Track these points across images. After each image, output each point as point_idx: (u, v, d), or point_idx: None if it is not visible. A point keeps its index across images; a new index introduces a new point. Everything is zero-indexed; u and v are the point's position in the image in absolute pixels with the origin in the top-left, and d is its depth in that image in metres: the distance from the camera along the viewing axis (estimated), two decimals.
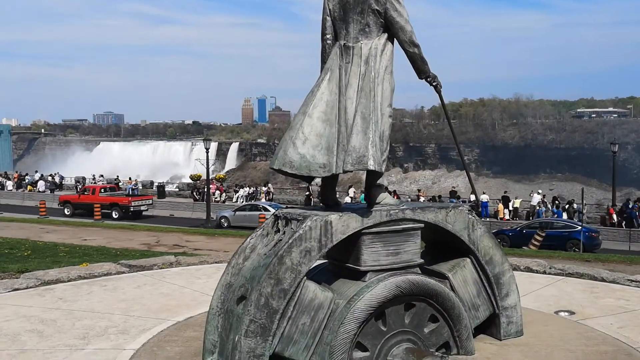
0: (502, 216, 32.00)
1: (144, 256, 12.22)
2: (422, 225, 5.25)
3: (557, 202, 33.86)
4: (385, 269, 5.08)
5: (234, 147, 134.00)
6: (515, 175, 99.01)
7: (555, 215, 31.02)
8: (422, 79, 5.46)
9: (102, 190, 35.41)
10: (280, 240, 4.97)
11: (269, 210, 30.19)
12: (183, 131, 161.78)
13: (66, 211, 34.10)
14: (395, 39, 5.25)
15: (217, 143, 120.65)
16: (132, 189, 40.54)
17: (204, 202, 33.64)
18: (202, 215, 32.98)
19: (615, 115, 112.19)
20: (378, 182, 5.23)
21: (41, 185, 45.09)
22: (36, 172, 55.46)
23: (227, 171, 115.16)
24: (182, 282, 8.15)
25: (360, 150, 4.81)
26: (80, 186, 43.46)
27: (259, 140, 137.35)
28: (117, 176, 52.54)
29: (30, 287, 7.71)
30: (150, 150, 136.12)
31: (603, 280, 8.02)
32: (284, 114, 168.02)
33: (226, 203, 38.16)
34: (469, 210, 5.50)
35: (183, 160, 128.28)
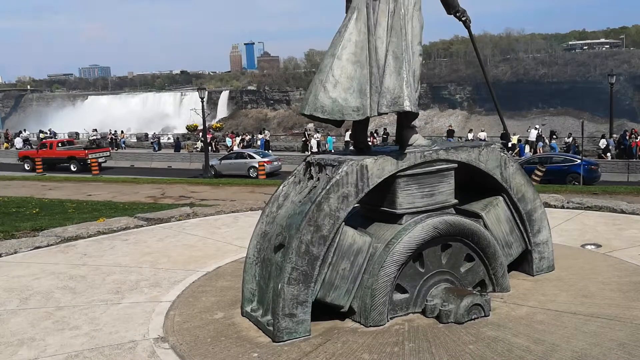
0: None
1: (152, 208, 12.20)
2: (456, 165, 5.20)
3: (554, 136, 33.89)
4: (421, 210, 5.04)
5: (224, 96, 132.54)
6: (508, 112, 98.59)
7: (552, 150, 31.12)
8: (450, 14, 5.30)
9: (60, 145, 36.21)
10: (315, 187, 4.90)
11: (254, 158, 30.22)
12: (171, 81, 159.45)
13: (26, 166, 34.69)
14: None
15: (207, 92, 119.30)
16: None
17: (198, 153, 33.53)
18: (197, 166, 32.97)
19: (607, 47, 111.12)
20: (412, 123, 5.13)
21: (18, 142, 44.55)
22: (24, 130, 54.78)
23: (219, 120, 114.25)
24: (203, 232, 8.13)
25: (394, 91, 4.68)
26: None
27: (249, 88, 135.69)
28: (113, 130, 51.73)
29: (52, 245, 7.68)
30: (140, 102, 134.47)
31: (622, 212, 8.07)
32: (273, 59, 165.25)
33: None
34: (501, 148, 5.44)
35: (173, 111, 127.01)
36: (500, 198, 5.56)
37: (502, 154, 5.43)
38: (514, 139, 33.83)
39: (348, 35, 4.94)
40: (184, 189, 18.67)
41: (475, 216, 5.44)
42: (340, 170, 4.73)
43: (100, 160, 33.82)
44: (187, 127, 43.48)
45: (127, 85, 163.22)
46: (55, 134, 51.26)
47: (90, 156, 33.28)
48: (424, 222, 4.93)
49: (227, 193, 16.96)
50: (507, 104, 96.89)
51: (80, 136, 51.52)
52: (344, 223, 4.75)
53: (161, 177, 24.81)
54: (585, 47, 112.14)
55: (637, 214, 7.91)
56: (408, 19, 4.91)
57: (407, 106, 4.64)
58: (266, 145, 39.28)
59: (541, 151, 30.60)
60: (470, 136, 35.82)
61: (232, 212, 9.52)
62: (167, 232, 8.24)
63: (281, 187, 5.29)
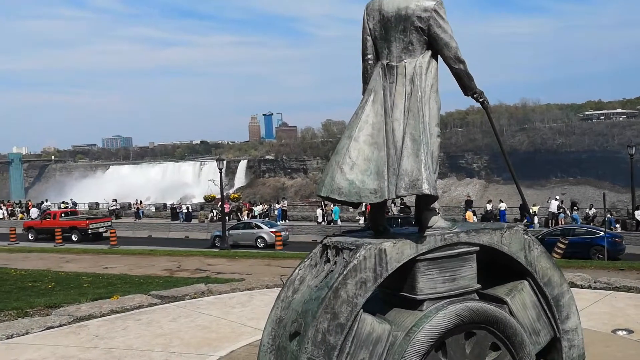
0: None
1: (167, 283, 12.06)
2: (478, 248, 5.03)
3: (576, 207, 33.43)
4: (442, 296, 4.84)
5: (242, 165, 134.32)
6: (526, 181, 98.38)
7: (574, 221, 30.61)
8: (468, 95, 5.26)
9: (62, 215, 37.00)
10: (332, 271, 4.75)
11: (262, 228, 30.23)
12: (191, 151, 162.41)
13: (30, 236, 35.42)
14: (439, 55, 5.06)
15: (225, 161, 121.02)
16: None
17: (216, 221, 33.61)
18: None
19: (624, 117, 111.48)
20: (431, 205, 5.00)
21: (33, 212, 45.09)
22: (46, 200, 55.61)
23: (237, 189, 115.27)
24: (217, 312, 7.93)
25: (412, 173, 4.60)
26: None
27: (267, 157, 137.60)
28: (138, 199, 52.03)
29: (64, 325, 7.52)
30: (160, 171, 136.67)
31: None
32: (291, 130, 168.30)
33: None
34: (524, 230, 5.27)
35: (192, 180, 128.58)
36: (525, 282, 5.33)
37: (525, 236, 5.25)
38: (535, 209, 33.43)
39: (365, 117, 4.92)
40: (200, 261, 18.55)
41: (500, 301, 5.20)
42: (358, 254, 4.59)
43: (101, 230, 34.44)
44: (205, 198, 43.85)
45: (148, 155, 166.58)
46: (75, 204, 51.87)
47: (91, 226, 33.67)
48: (446, 309, 4.71)
49: (243, 266, 16.79)
50: (525, 173, 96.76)
51: (100, 206, 52.01)
52: (362, 310, 4.56)
53: (178, 249, 24.75)
54: (602, 117, 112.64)
55: None
56: (425, 101, 4.88)
57: (426, 189, 4.54)
58: (283, 214, 39.30)
59: (563, 223, 30.13)
60: (489, 207, 35.50)
61: (247, 289, 9.33)
62: (180, 311, 8.05)
63: (297, 270, 5.14)
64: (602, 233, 23.38)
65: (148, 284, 11.85)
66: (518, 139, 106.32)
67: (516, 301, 5.24)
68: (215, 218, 38.45)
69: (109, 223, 36.18)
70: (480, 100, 5.28)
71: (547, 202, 35.68)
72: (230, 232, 30.71)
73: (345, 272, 4.53)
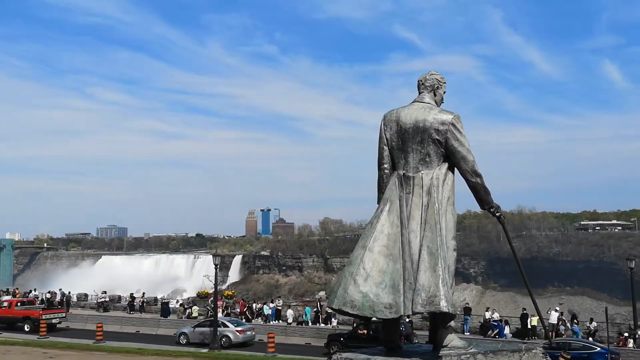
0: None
1: None
2: None
3: (575, 320, 32.66)
4: None
5: (237, 260, 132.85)
6: (523, 289, 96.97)
7: (574, 334, 29.77)
8: (484, 209, 5.17)
9: (18, 304, 36.60)
10: None
11: (227, 327, 29.40)
12: (186, 244, 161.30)
13: None
14: (456, 168, 5.03)
15: (220, 257, 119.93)
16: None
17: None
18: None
19: (620, 228, 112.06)
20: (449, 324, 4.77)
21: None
22: (34, 289, 54.35)
23: (229, 284, 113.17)
24: None
25: (430, 289, 4.42)
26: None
27: (262, 253, 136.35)
28: (133, 293, 50.62)
29: None
30: (153, 263, 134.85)
31: None
32: (288, 226, 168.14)
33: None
34: (543, 354, 5.00)
35: (185, 273, 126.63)
36: None
37: (544, 359, 4.98)
38: (534, 320, 32.60)
39: (380, 227, 4.81)
40: None
41: None
42: None
43: (54, 321, 33.76)
44: (198, 294, 42.94)
45: (142, 245, 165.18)
46: (64, 295, 50.57)
47: (44, 317, 33.18)
48: None
49: None
50: (522, 281, 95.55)
51: (89, 297, 50.67)
52: None
53: (167, 348, 23.69)
54: (597, 228, 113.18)
55: None
56: (442, 213, 4.80)
57: (444, 307, 4.34)
58: (277, 314, 38.16)
59: (564, 335, 29.28)
60: (487, 315, 34.68)
61: None
62: None
63: None
64: (598, 348, 22.63)
65: None
66: (514, 245, 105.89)
67: None
68: (192, 315, 37.39)
69: (64, 314, 35.97)
70: (497, 214, 5.19)
71: (547, 312, 34.90)
72: (195, 329, 29.83)
73: None
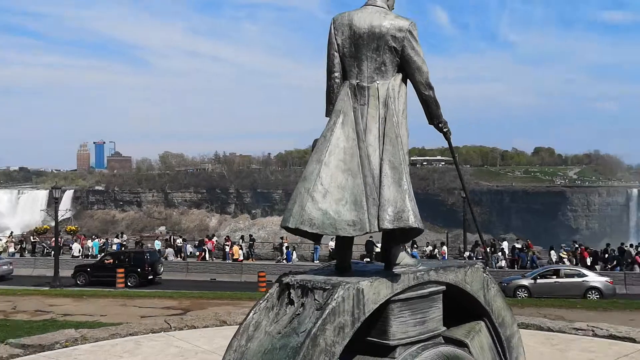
0: None
1: (7, 328, 10.22)
2: (445, 287, 4.69)
3: (415, 245, 35.33)
4: (413, 341, 4.40)
5: (68, 195, 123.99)
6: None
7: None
8: (432, 124, 4.94)
9: None
10: (298, 314, 4.10)
11: None
12: (8, 178, 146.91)
13: None
14: (409, 79, 4.72)
15: (47, 191, 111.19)
16: None
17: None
18: (45, 272, 29.59)
19: (443, 163, 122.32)
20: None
21: None
22: None
23: (61, 220, 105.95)
24: None
25: (397, 204, 4.15)
26: None
27: (96, 188, 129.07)
28: None
29: None
30: None
31: (550, 329, 8.00)
32: (125, 160, 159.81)
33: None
34: (483, 268, 5.06)
35: (8, 210, 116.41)
36: (482, 323, 5.10)
37: (484, 274, 5.05)
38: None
39: (335, 141, 4.41)
40: (40, 301, 16.10)
41: (460, 344, 4.89)
42: (336, 295, 4.00)
43: None
44: (36, 229, 39.64)
45: None
46: None
47: None
48: (420, 356, 4.28)
49: (95, 307, 14.85)
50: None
51: None
52: None
53: (8, 287, 21.47)
54: (424, 163, 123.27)
55: (564, 332, 7.87)
56: (400, 126, 4.50)
57: (413, 222, 4.12)
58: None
59: None
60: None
61: (130, 334, 8.07)
62: None
63: (251, 314, 4.39)
64: None
65: None
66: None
67: (475, 343, 4.98)
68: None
69: None
70: (444, 130, 5.01)
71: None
72: None
73: (324, 316, 3.91)
